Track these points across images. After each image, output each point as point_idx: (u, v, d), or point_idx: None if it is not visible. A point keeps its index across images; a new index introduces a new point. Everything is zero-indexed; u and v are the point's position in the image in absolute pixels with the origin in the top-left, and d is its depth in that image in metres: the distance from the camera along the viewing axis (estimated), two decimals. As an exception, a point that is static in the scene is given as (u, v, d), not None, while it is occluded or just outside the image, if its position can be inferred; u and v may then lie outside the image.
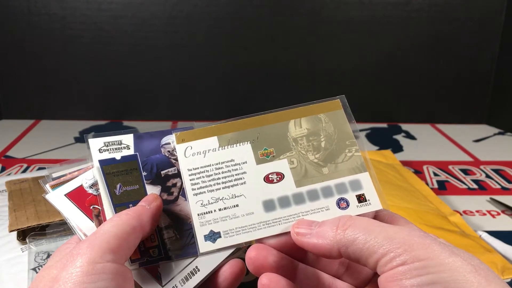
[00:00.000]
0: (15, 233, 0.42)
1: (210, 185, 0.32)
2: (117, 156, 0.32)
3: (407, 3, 0.83)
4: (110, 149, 0.32)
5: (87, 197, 0.31)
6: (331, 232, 0.26)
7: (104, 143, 0.32)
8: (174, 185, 0.32)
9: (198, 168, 0.32)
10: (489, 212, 0.58)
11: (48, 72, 0.86)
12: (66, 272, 0.24)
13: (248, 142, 0.33)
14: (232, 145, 0.33)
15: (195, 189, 0.31)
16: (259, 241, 0.30)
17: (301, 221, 0.29)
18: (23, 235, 0.42)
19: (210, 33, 0.85)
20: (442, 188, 0.65)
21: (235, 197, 0.31)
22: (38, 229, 0.42)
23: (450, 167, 0.72)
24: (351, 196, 0.31)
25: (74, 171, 0.32)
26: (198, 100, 0.90)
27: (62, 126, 0.86)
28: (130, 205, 0.31)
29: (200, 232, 0.31)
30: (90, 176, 0.32)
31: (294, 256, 0.30)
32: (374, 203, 0.31)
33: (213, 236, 0.30)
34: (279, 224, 0.30)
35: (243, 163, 0.32)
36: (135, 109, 0.90)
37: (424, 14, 0.84)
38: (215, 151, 0.32)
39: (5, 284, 0.38)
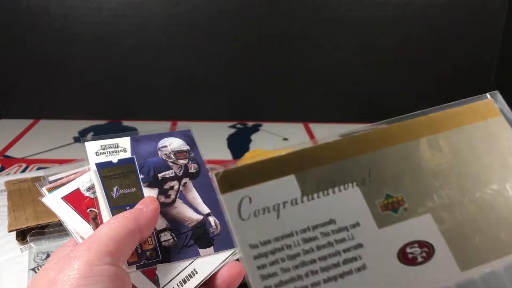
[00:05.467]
0: (14, 233, 0.42)
1: (300, 276, 0.18)
2: (114, 159, 0.32)
3: (407, 3, 0.83)
4: (107, 152, 0.32)
5: (84, 200, 0.31)
6: None
7: (101, 146, 0.32)
8: (171, 187, 0.32)
9: (269, 240, 0.19)
10: (488, 213, 0.58)
11: (47, 72, 0.86)
12: (63, 275, 0.24)
13: (354, 183, 0.19)
14: (325, 191, 0.18)
15: (266, 279, 0.18)
16: None
17: None
18: (22, 235, 0.42)
19: (210, 33, 0.85)
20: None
21: None
22: (37, 229, 0.42)
23: (449, 167, 0.72)
24: None
25: (71, 174, 0.32)
26: (198, 100, 0.90)
27: (61, 126, 0.86)
28: (127, 208, 0.31)
29: None
30: (87, 179, 0.32)
31: None
32: None
33: None
34: None
35: (353, 226, 0.18)
36: (135, 109, 0.90)
37: (424, 14, 0.84)
38: (296, 203, 0.19)
39: (5, 284, 0.38)
